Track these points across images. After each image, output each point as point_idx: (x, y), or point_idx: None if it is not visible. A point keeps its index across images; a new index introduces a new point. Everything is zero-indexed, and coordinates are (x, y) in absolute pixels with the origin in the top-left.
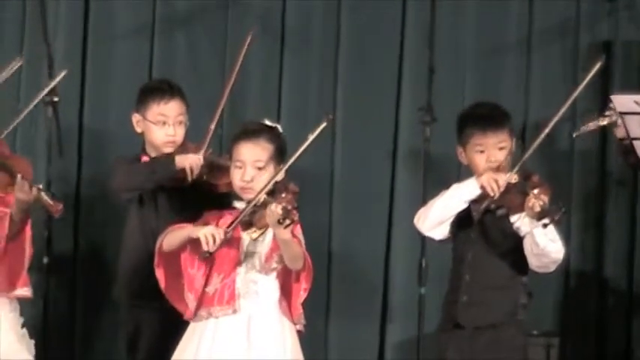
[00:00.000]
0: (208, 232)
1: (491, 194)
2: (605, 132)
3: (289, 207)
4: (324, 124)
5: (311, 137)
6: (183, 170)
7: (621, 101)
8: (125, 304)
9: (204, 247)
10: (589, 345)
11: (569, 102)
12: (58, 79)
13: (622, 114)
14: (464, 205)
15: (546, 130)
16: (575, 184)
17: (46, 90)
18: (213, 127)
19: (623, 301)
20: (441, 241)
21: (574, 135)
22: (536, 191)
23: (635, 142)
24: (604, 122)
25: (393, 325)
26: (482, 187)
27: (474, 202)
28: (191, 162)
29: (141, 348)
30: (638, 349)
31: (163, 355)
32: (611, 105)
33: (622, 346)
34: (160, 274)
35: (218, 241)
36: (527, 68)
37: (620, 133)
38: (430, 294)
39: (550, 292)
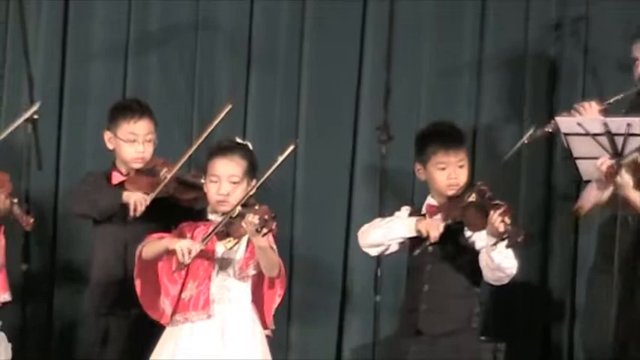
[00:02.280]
0: (184, 245)
1: (428, 238)
2: (551, 147)
3: (266, 217)
4: (292, 147)
5: (280, 158)
6: (127, 204)
7: (565, 122)
8: (95, 312)
9: (180, 259)
10: (534, 350)
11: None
12: (33, 108)
13: (566, 135)
14: (400, 241)
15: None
16: (522, 198)
17: (24, 116)
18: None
19: (566, 310)
20: (377, 256)
21: (525, 141)
22: (505, 212)
23: (577, 161)
24: (550, 128)
25: (350, 330)
26: (419, 232)
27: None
28: (136, 199)
29: (109, 354)
30: (580, 355)
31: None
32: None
33: (564, 351)
34: (137, 282)
35: (193, 254)
36: (478, 89)
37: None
38: (385, 301)
39: (497, 300)
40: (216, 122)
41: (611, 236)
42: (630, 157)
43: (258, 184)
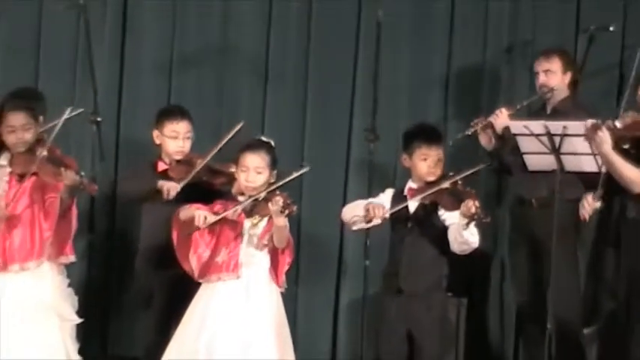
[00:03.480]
0: (202, 213)
1: (370, 217)
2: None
3: (288, 201)
4: (304, 170)
5: (295, 174)
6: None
7: (515, 125)
8: (143, 272)
9: (196, 222)
10: (490, 304)
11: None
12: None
13: (515, 135)
14: (359, 225)
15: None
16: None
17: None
18: (210, 156)
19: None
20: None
21: (450, 143)
22: (472, 196)
23: (524, 155)
24: (469, 132)
25: (345, 289)
26: (367, 212)
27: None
28: (168, 186)
29: (156, 305)
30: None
31: (172, 310)
32: (476, 120)
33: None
34: (174, 236)
35: (208, 221)
36: (446, 100)
37: (483, 140)
38: (372, 266)
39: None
40: (232, 133)
41: (518, 214)
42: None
43: (283, 182)
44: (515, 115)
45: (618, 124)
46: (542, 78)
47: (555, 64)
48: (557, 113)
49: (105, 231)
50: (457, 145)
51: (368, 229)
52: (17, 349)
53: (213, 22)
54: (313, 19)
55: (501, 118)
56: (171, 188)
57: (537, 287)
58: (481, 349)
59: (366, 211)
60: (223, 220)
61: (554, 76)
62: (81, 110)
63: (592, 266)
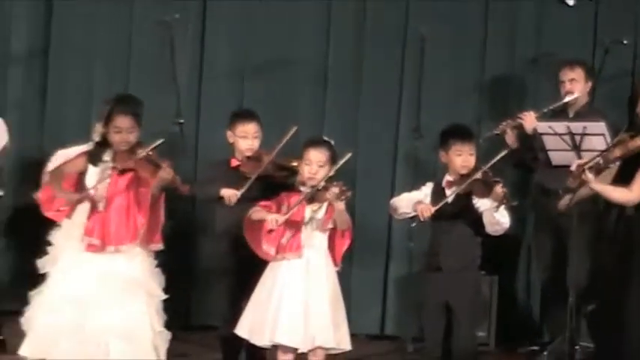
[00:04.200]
0: (273, 218)
1: (421, 218)
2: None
3: (344, 189)
4: (349, 155)
5: (341, 161)
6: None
7: (541, 126)
8: (220, 255)
9: (269, 227)
10: (518, 282)
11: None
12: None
13: (541, 134)
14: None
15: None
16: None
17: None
18: (275, 153)
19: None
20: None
21: (480, 141)
22: (500, 185)
23: (549, 152)
24: (498, 131)
25: (393, 267)
26: (415, 211)
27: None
28: (230, 194)
29: (230, 282)
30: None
31: (244, 286)
32: (505, 122)
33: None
34: (246, 234)
35: (280, 222)
36: (479, 104)
37: (509, 140)
38: (416, 247)
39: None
40: (289, 135)
41: (543, 203)
42: (592, 162)
43: (334, 169)
44: (540, 118)
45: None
46: (567, 86)
47: (579, 74)
48: (579, 116)
49: (186, 218)
50: (487, 142)
51: (412, 217)
52: (109, 317)
53: (280, 35)
54: (366, 33)
55: (529, 120)
56: (231, 196)
57: (560, 266)
58: (511, 320)
59: (414, 211)
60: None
61: (577, 84)
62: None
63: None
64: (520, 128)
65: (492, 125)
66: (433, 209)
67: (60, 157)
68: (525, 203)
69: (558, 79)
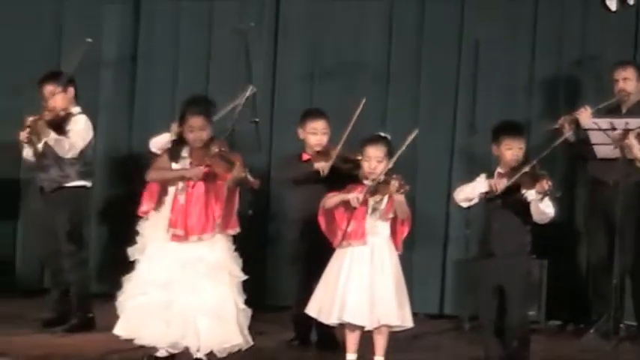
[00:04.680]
0: (354, 197)
1: (494, 190)
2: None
3: (402, 182)
4: (414, 133)
5: (403, 147)
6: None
7: (586, 122)
8: (294, 240)
9: (353, 204)
10: (567, 264)
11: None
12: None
13: (586, 129)
14: (478, 194)
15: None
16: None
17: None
18: (340, 146)
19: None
20: (467, 207)
21: (546, 129)
22: (546, 178)
23: (594, 146)
24: (557, 125)
25: (450, 251)
26: (489, 185)
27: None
28: (322, 165)
29: (302, 266)
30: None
31: (315, 269)
32: (562, 119)
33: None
34: (321, 221)
35: (361, 199)
36: (529, 102)
37: (567, 133)
38: (472, 234)
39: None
40: (354, 117)
41: (595, 192)
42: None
43: (393, 161)
44: (595, 113)
45: None
46: (621, 84)
47: (631, 73)
48: (631, 112)
49: (262, 207)
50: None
51: (469, 207)
52: (196, 298)
53: (346, 41)
54: (425, 37)
55: (585, 115)
56: (325, 167)
57: (609, 250)
58: (560, 300)
59: (488, 186)
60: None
61: (630, 82)
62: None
63: None
64: (576, 123)
65: (541, 122)
66: (502, 185)
67: (153, 143)
68: (574, 193)
69: (612, 78)
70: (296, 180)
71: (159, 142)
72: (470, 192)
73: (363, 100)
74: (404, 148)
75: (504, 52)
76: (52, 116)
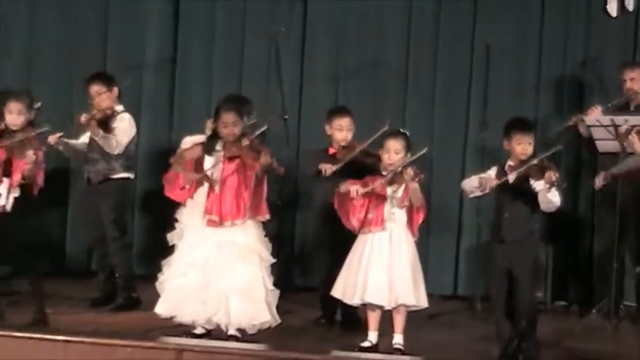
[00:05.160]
0: (355, 188)
1: (486, 190)
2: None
3: (417, 171)
4: (423, 151)
5: (421, 151)
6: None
7: (588, 119)
8: (318, 225)
9: (351, 195)
10: (573, 250)
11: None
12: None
13: (589, 126)
14: (476, 193)
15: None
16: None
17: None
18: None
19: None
20: (479, 197)
21: (555, 131)
22: (553, 170)
23: (596, 141)
24: (571, 123)
25: (463, 238)
26: (480, 183)
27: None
28: (326, 167)
29: (326, 250)
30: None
31: (339, 253)
32: (573, 118)
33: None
34: (336, 204)
35: (360, 193)
36: (537, 101)
37: (582, 129)
38: (483, 222)
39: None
40: (380, 133)
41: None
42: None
43: (411, 160)
44: (605, 111)
45: None
46: (628, 84)
47: (638, 73)
48: (639, 110)
49: (290, 197)
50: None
51: (480, 196)
52: (228, 278)
53: (368, 45)
54: (440, 40)
55: (595, 113)
56: (327, 168)
57: (614, 238)
58: (564, 284)
59: (479, 183)
60: (372, 190)
61: (637, 82)
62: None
63: None
64: None
65: (549, 119)
66: (495, 182)
67: (186, 142)
68: (578, 184)
69: (620, 78)
70: (310, 173)
71: (190, 142)
72: (469, 184)
73: (388, 122)
74: (415, 157)
75: (513, 54)
76: (101, 115)
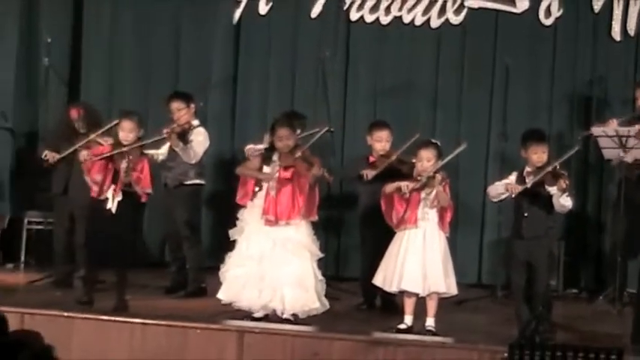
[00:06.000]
0: (405, 184)
1: (511, 194)
2: None
3: (444, 176)
4: (463, 147)
5: (451, 155)
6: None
7: (595, 130)
8: (363, 223)
9: (403, 190)
10: (582, 245)
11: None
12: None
13: (596, 136)
14: (502, 197)
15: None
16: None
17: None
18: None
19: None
20: (499, 201)
21: (579, 138)
22: (564, 177)
23: (602, 150)
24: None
25: (486, 235)
26: (506, 190)
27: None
28: (367, 172)
29: (368, 245)
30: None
31: (379, 247)
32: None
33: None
34: (382, 203)
35: (410, 188)
36: (550, 115)
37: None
38: (504, 220)
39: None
40: (411, 142)
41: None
42: None
43: (441, 165)
44: (621, 124)
45: None
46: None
47: None
48: None
49: (337, 199)
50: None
51: (502, 199)
52: (281, 272)
53: (402, 67)
54: (466, 63)
55: (612, 125)
56: (368, 173)
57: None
58: (575, 274)
59: (506, 189)
60: (421, 186)
61: None
62: (326, 129)
63: None
64: None
65: (560, 131)
66: (520, 188)
67: (249, 149)
68: (586, 189)
69: (634, 95)
70: (353, 178)
71: (253, 150)
72: (495, 192)
73: (418, 132)
74: (452, 156)
75: (529, 75)
76: (180, 129)
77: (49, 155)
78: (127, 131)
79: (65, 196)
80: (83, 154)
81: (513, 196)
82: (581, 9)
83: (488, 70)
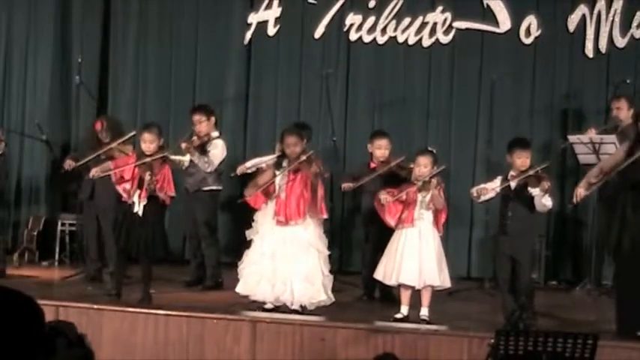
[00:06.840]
0: (385, 197)
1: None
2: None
3: (439, 180)
4: (443, 167)
5: (441, 167)
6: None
7: (572, 138)
8: (365, 223)
9: (382, 202)
10: (561, 241)
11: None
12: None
13: (572, 143)
14: (485, 198)
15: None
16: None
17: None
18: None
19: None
20: (485, 201)
21: (562, 146)
22: (546, 180)
23: (578, 155)
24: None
25: (475, 232)
26: (476, 193)
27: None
28: (346, 186)
29: (371, 242)
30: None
31: (381, 246)
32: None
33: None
34: (377, 207)
35: (388, 201)
36: (531, 124)
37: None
38: (491, 219)
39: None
40: (397, 161)
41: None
42: None
43: (435, 172)
44: (599, 132)
45: None
46: (615, 112)
47: (623, 104)
48: (624, 133)
49: (341, 202)
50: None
51: (488, 200)
52: (291, 268)
53: (398, 82)
54: (455, 78)
55: (591, 134)
56: (346, 187)
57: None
58: (555, 268)
59: (476, 192)
60: (398, 198)
61: (622, 111)
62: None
63: None
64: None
65: (541, 139)
66: (496, 189)
67: (252, 162)
68: (564, 190)
69: (609, 106)
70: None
71: (259, 161)
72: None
73: (402, 158)
74: (436, 172)
75: (512, 89)
76: (199, 142)
77: (67, 163)
78: (148, 142)
79: (91, 200)
80: (92, 172)
81: (488, 197)
82: (558, 29)
83: (475, 85)
